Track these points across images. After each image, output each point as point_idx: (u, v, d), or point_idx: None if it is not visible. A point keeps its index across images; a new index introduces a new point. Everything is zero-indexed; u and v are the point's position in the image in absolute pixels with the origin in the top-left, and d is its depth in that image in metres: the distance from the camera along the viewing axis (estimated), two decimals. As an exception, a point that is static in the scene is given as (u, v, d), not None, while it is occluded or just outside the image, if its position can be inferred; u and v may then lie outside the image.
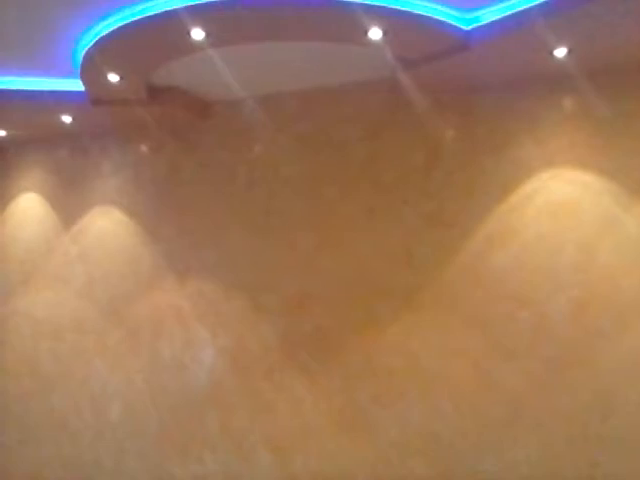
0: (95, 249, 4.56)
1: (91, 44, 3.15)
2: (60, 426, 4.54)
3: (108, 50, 3.14)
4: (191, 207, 4.26)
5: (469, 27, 3.01)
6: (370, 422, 3.64)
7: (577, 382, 3.22)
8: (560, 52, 3.04)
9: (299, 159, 3.98)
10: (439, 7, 2.87)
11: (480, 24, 2.97)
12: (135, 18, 2.89)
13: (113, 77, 3.46)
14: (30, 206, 4.88)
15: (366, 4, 2.70)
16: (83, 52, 3.26)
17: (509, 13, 2.82)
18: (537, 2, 2.70)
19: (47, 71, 3.69)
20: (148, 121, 4.16)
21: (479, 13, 2.94)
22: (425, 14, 2.85)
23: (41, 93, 3.85)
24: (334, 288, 3.80)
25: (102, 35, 3.06)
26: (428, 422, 3.51)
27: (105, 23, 3.02)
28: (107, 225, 4.54)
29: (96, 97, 3.82)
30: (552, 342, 3.29)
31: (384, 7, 2.74)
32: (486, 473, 3.36)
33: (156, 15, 2.82)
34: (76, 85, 3.75)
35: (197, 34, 2.93)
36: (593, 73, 3.22)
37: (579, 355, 3.23)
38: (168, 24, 2.86)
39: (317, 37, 3.06)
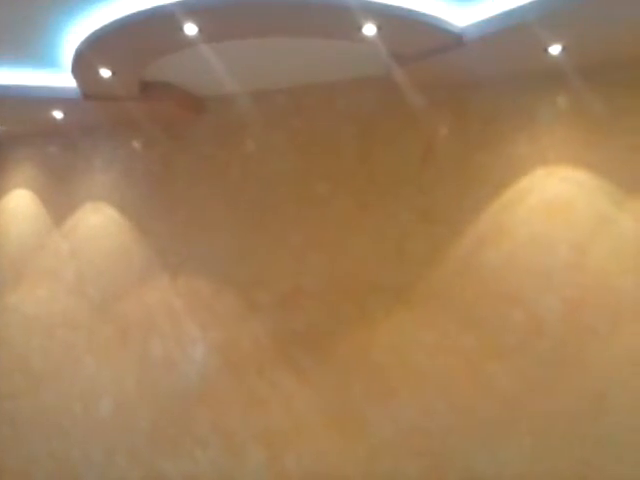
0: (86, 245, 4.53)
1: (83, 39, 3.13)
2: (50, 423, 4.52)
3: (100, 45, 3.12)
4: (183, 203, 4.25)
5: (463, 23, 3.00)
6: (362, 419, 3.64)
7: (570, 381, 3.23)
8: (554, 49, 3.03)
9: (292, 155, 3.96)
10: (434, 3, 2.86)
11: (474, 20, 2.96)
12: (127, 13, 2.87)
13: (105, 72, 3.44)
14: (21, 202, 4.85)
15: (360, 0, 2.69)
16: (75, 47, 3.24)
17: (504, 10, 2.81)
18: (531, -1, 2.70)
19: (38, 66, 3.67)
20: (140, 117, 4.14)
21: (474, 9, 2.92)
22: (419, 10, 2.83)
23: (32, 88, 3.83)
24: (326, 284, 3.79)
25: (94, 30, 3.04)
26: (420, 419, 3.51)
27: (97, 18, 2.99)
28: (98, 221, 4.51)
29: (88, 92, 3.80)
30: (544, 341, 3.29)
31: (378, 3, 2.73)
32: (478, 471, 3.36)
33: (149, 10, 2.80)
34: (67, 80, 3.72)
35: (190, 29, 2.91)
36: (587, 70, 3.22)
37: (572, 354, 3.24)
38: (160, 19, 2.84)
39: (310, 33, 3.04)
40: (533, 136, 3.41)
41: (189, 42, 3.07)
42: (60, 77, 3.75)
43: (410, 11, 2.82)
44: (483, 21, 2.92)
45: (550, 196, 3.36)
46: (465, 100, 3.58)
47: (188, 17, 2.80)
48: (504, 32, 2.86)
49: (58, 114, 4.22)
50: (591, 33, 2.89)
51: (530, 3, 2.69)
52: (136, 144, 4.46)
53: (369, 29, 2.90)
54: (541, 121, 3.40)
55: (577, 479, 3.19)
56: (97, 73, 3.44)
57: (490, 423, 3.38)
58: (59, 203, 4.69)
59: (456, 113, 3.60)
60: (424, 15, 2.86)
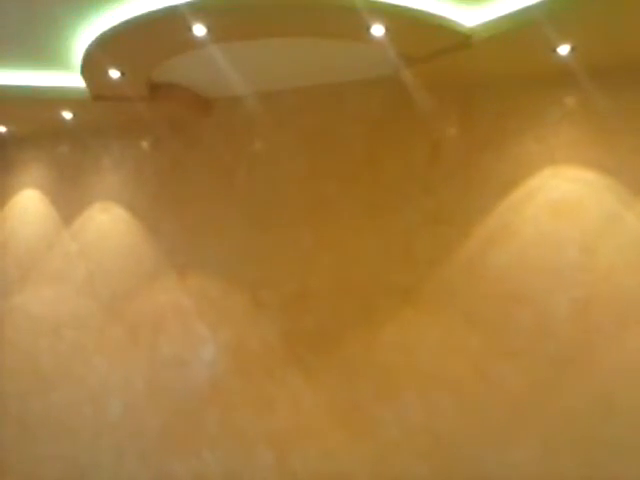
0: (95, 245, 4.55)
1: (92, 40, 3.14)
2: (59, 424, 4.54)
3: (109, 46, 3.13)
4: (191, 203, 4.26)
5: (472, 24, 2.99)
6: (369, 419, 3.64)
7: (578, 382, 3.22)
8: (563, 49, 3.03)
9: (300, 156, 3.97)
10: (442, 3, 2.86)
11: (483, 21, 2.95)
12: (137, 14, 2.88)
13: (114, 73, 3.45)
14: (30, 202, 4.88)
15: (369, 0, 2.69)
16: (84, 48, 3.25)
17: (512, 10, 2.81)
18: (540, -1, 2.69)
19: (48, 66, 3.68)
20: (149, 117, 4.16)
21: (482, 10, 2.92)
22: (428, 10, 2.83)
23: (42, 89, 3.85)
24: (334, 285, 3.79)
25: (103, 31, 3.05)
26: (427, 420, 3.51)
27: (106, 19, 3.00)
28: (107, 221, 4.53)
29: (97, 93, 3.81)
30: (552, 341, 3.28)
31: (387, 3, 2.73)
32: (486, 472, 3.36)
33: (158, 11, 2.81)
34: (77, 81, 3.74)
35: (199, 30, 2.92)
36: (596, 71, 3.21)
37: (580, 355, 3.23)
38: (170, 20, 2.85)
39: (318, 33, 3.05)
40: (541, 136, 3.40)
41: (198, 43, 3.08)
42: (69, 77, 3.77)
43: (418, 12, 2.82)
44: (491, 21, 2.92)
45: (558, 196, 3.35)
46: (473, 100, 3.57)
47: (197, 18, 2.81)
48: (512, 32, 2.86)
49: (67, 114, 4.24)
50: (600, 33, 2.88)
51: (538, 3, 2.68)
52: (145, 145, 4.48)
53: (377, 30, 2.90)
54: (549, 121, 3.40)
55: (585, 480, 3.19)
56: (106, 74, 3.45)
57: (498, 423, 3.37)
58: (68, 203, 4.71)
59: (464, 113, 3.59)
60: (432, 15, 2.86)
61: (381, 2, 2.72)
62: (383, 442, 3.60)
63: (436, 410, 3.50)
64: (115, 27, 2.99)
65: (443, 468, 3.46)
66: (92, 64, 3.36)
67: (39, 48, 3.40)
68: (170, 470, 4.12)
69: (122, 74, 3.47)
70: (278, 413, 3.86)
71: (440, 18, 2.89)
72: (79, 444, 4.45)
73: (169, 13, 2.79)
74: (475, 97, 3.57)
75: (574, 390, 3.23)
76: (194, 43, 3.08)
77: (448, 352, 3.50)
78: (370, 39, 3.01)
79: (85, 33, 3.17)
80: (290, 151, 3.99)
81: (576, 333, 3.25)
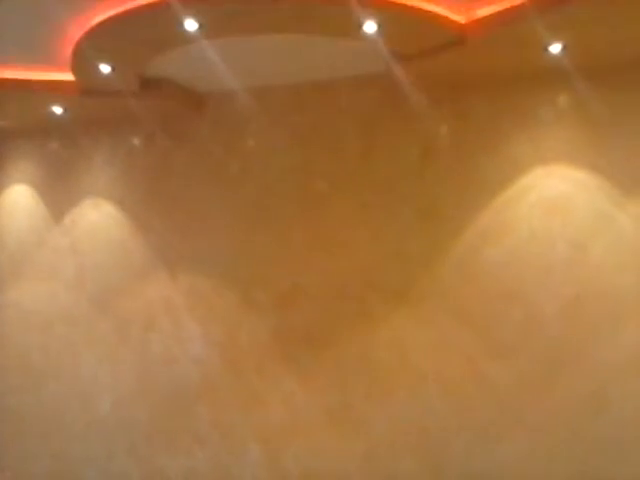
0: (86, 242, 4.52)
1: (83, 34, 3.12)
2: (50, 420, 4.51)
3: (100, 41, 3.11)
4: (182, 200, 4.24)
5: (464, 22, 2.99)
6: (361, 417, 3.64)
7: (569, 380, 3.23)
8: (555, 48, 3.03)
9: (292, 153, 3.96)
10: (434, 1, 2.86)
11: (475, 19, 2.95)
12: (128, 8, 2.86)
13: (105, 68, 3.43)
14: (20, 198, 4.84)
15: (361, -3, 2.69)
16: (75, 42, 3.23)
17: (504, 8, 2.81)
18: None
19: (38, 61, 3.66)
20: (140, 113, 4.12)
21: (474, 7, 2.92)
22: (420, 8, 2.83)
23: (32, 83, 3.81)
24: (326, 283, 3.79)
25: (94, 25, 3.02)
26: (419, 418, 3.52)
27: (97, 13, 2.98)
28: (98, 217, 4.50)
29: (87, 88, 3.79)
30: (544, 339, 3.30)
31: (379, 0, 2.72)
32: (476, 470, 3.37)
33: (149, 5, 2.80)
34: (67, 76, 3.71)
35: (190, 25, 2.90)
36: (588, 70, 3.22)
37: (571, 353, 3.24)
38: (161, 15, 2.83)
39: (311, 30, 3.04)
40: (533, 135, 3.41)
41: (189, 38, 3.06)
42: (60, 72, 3.75)
43: (411, 9, 2.81)
44: (484, 19, 2.92)
45: (549, 195, 3.36)
46: (466, 99, 3.58)
47: (188, 13, 2.80)
48: (505, 30, 2.86)
49: (58, 109, 4.20)
50: (592, 32, 2.89)
51: (531, 1, 2.68)
52: (136, 140, 4.45)
53: (370, 27, 2.89)
54: (541, 120, 3.41)
55: (575, 478, 3.19)
56: (97, 69, 3.43)
57: (488, 421, 3.38)
58: (58, 199, 4.67)
59: (456, 111, 3.60)
60: (425, 13, 2.86)
61: (373, -1, 2.72)
62: (374, 439, 3.60)
63: (428, 408, 3.51)
64: (106, 21, 2.97)
65: (433, 465, 3.47)
66: (83, 59, 3.34)
67: (29, 42, 3.38)
68: (160, 465, 4.11)
69: (113, 69, 3.44)
70: (269, 410, 3.85)
71: (432, 16, 2.88)
72: (69, 439, 4.43)
73: (161, 8, 2.78)
74: (468, 96, 3.57)
75: (565, 387, 3.24)
76: (186, 38, 3.07)
77: (440, 350, 3.51)
78: (363, 36, 3.00)
79: (76, 27, 3.14)
80: (282, 148, 3.98)
81: (567, 330, 3.27)
